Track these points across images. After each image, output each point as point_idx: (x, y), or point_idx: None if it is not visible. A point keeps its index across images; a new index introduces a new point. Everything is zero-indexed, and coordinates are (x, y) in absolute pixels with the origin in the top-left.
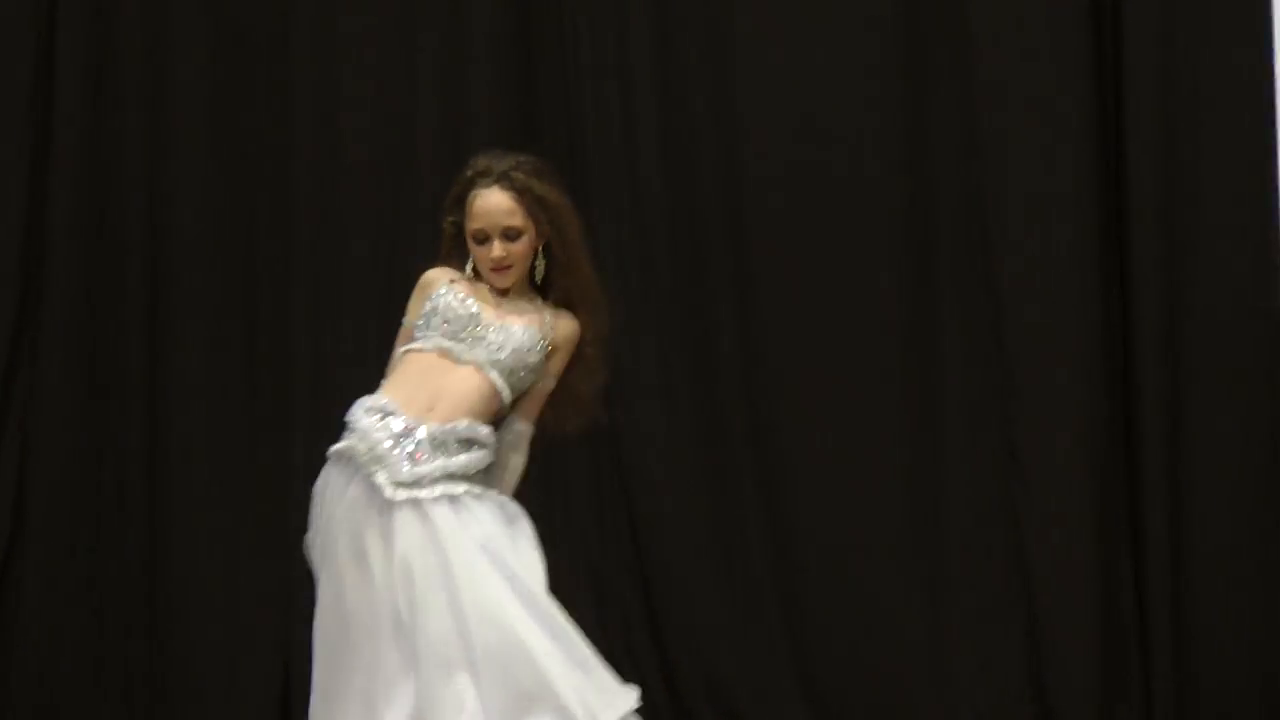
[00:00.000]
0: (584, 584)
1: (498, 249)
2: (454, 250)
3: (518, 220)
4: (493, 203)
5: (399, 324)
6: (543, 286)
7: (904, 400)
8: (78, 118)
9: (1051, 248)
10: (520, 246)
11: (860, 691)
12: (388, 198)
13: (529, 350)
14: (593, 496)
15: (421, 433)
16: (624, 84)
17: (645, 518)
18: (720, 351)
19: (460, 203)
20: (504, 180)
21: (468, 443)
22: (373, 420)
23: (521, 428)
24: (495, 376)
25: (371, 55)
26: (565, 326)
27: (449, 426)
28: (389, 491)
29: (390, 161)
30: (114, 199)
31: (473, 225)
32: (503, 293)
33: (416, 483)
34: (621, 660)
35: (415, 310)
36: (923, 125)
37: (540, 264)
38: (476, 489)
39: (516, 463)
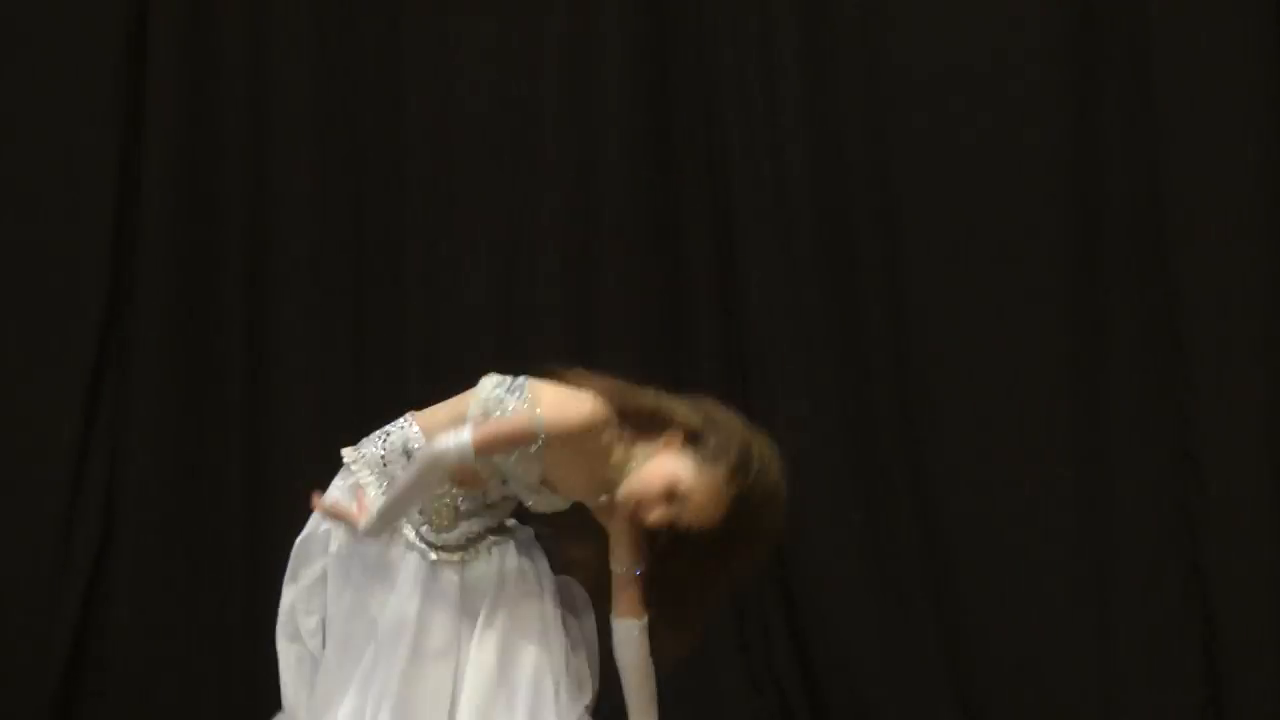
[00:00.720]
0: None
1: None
2: None
3: None
4: None
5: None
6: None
7: (1071, 399)
8: (172, 97)
9: (1232, 237)
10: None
11: (1019, 705)
12: (506, 176)
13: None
14: None
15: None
16: (764, 63)
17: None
18: (870, 344)
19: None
20: None
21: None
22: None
23: (616, 624)
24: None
25: (491, 25)
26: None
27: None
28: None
29: (510, 142)
30: (212, 185)
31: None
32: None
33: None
34: (763, 678)
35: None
36: (1093, 104)
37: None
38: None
39: (627, 662)
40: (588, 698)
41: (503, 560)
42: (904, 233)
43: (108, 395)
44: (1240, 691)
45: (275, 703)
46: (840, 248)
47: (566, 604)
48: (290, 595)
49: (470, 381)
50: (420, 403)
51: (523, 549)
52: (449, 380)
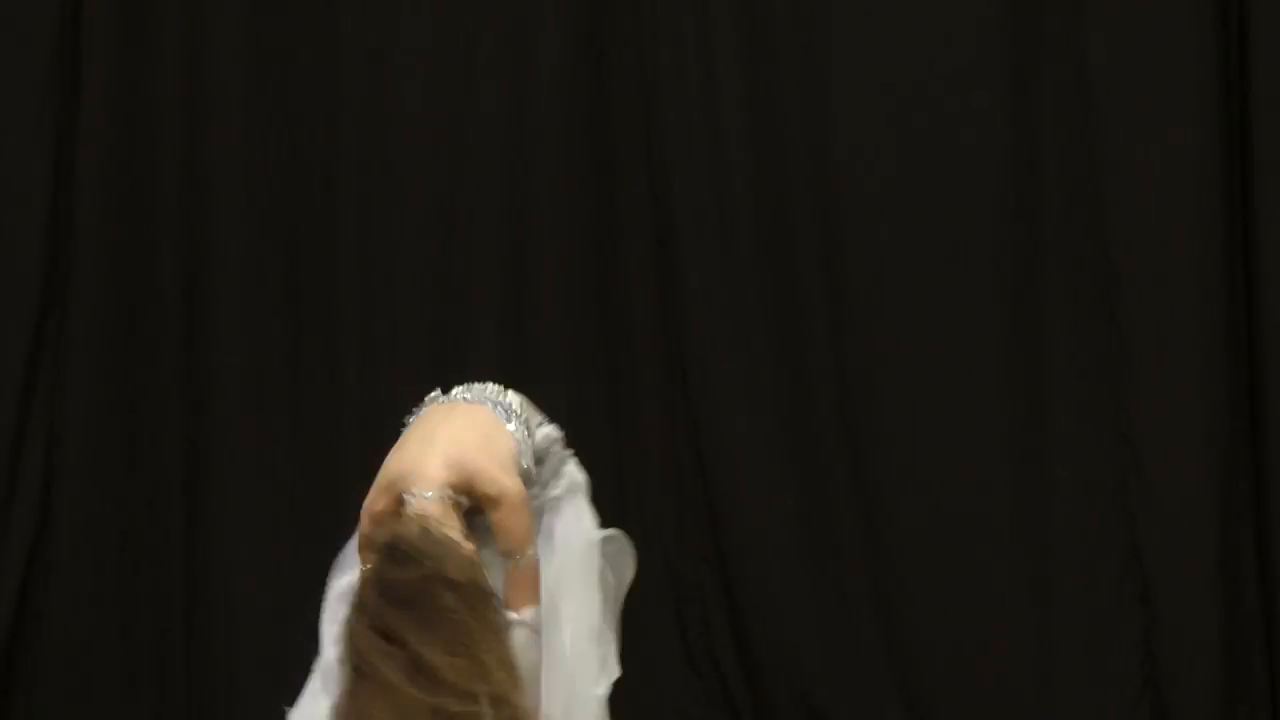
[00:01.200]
0: (661, 582)
1: None
2: None
3: None
4: None
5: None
6: None
7: (1008, 384)
8: (107, 83)
9: (1170, 222)
10: None
11: (962, 696)
12: (441, 175)
13: None
14: (669, 492)
15: None
16: (703, 52)
17: (726, 513)
18: (810, 342)
19: None
20: None
21: None
22: None
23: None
24: None
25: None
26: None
27: None
28: None
29: (446, 141)
30: (147, 176)
31: None
32: None
33: None
34: (702, 663)
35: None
36: (1029, 86)
37: None
38: None
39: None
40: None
41: None
42: (844, 231)
43: (43, 385)
44: (1177, 672)
45: (212, 692)
46: (780, 246)
47: None
48: (332, 590)
49: (412, 378)
50: (360, 397)
51: None
52: (386, 376)
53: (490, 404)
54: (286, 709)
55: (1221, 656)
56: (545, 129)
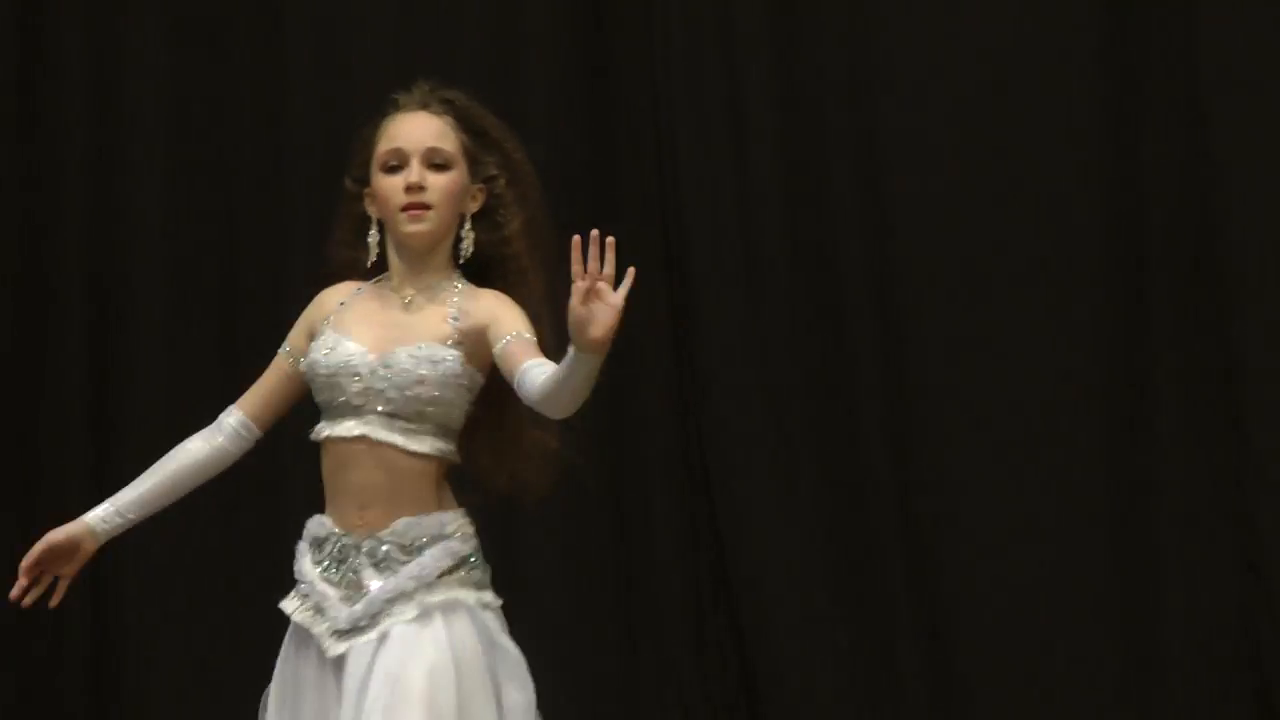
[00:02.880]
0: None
1: (414, 172)
2: (354, 225)
3: (449, 144)
4: (415, 121)
5: None
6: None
7: (1106, 476)
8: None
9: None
10: (447, 181)
11: None
12: None
13: (429, 376)
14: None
15: (356, 554)
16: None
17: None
18: (858, 378)
19: (367, 145)
20: (434, 103)
21: (418, 545)
22: (309, 560)
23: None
24: (399, 438)
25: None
26: (480, 298)
27: (383, 533)
28: (329, 647)
29: None
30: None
31: (383, 149)
32: (415, 270)
33: (355, 628)
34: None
35: (295, 338)
36: (1129, 97)
37: (469, 237)
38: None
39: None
40: None
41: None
42: (894, 254)
43: None
44: None
45: None
46: (817, 268)
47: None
48: None
49: None
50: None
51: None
52: None
53: None
54: None
55: None
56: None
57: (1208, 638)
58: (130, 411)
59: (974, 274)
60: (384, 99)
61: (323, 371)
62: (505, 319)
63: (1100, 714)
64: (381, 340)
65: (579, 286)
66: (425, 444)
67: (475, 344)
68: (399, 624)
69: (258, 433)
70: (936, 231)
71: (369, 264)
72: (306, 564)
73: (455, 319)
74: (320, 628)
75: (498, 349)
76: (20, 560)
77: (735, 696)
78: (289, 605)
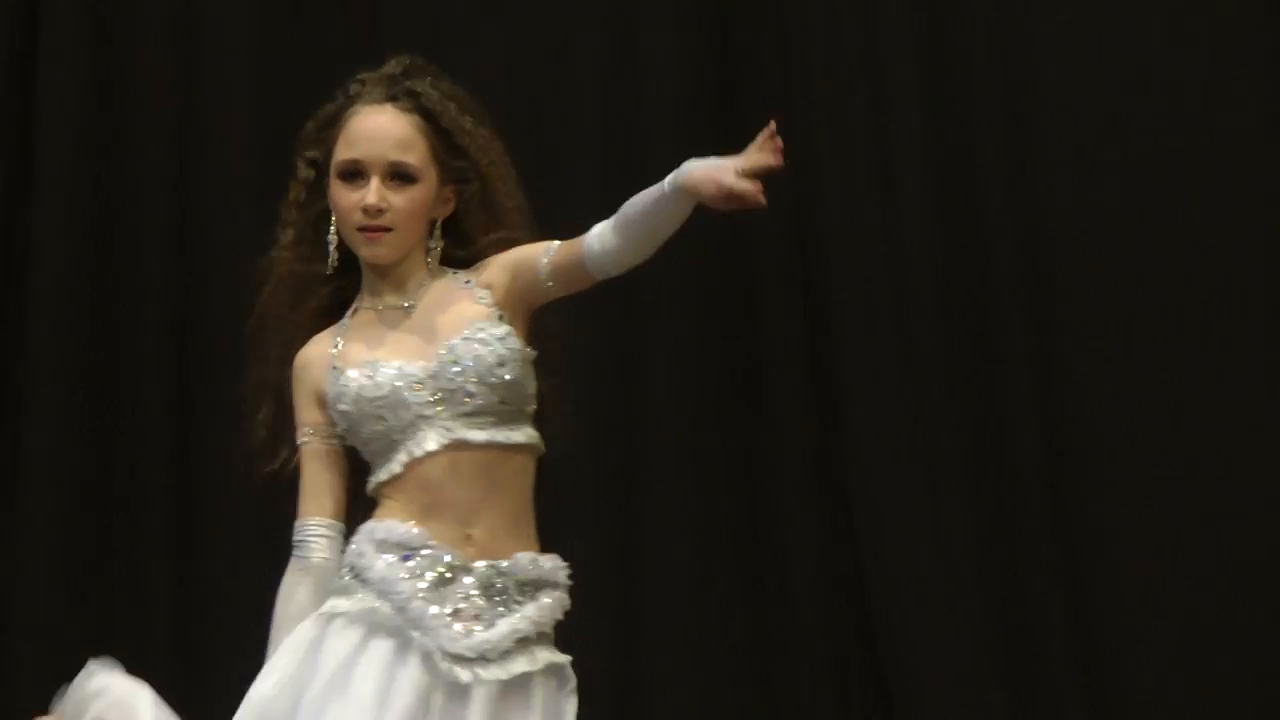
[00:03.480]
0: None
1: (373, 193)
2: (305, 220)
3: (414, 155)
4: (377, 125)
5: None
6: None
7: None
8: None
9: None
10: (410, 200)
11: None
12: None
13: (506, 355)
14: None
15: (466, 575)
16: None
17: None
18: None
19: (327, 130)
20: (401, 97)
21: (536, 587)
22: (383, 565)
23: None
24: (495, 433)
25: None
26: (492, 263)
27: (503, 564)
28: (453, 672)
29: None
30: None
31: (341, 156)
32: (397, 277)
33: (480, 658)
34: None
35: (307, 415)
36: None
37: (437, 247)
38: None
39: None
40: None
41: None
42: (1047, 270)
43: None
44: None
45: None
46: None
47: None
48: None
49: None
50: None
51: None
52: None
53: None
54: None
55: None
56: None
57: None
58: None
59: (1133, 296)
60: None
61: (373, 396)
62: (526, 252)
63: None
64: (416, 349)
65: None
66: (520, 434)
67: (514, 311)
68: (539, 685)
69: (341, 525)
70: (1093, 247)
71: (328, 272)
72: (386, 571)
73: (484, 298)
74: (429, 643)
75: (545, 267)
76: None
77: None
78: (365, 606)
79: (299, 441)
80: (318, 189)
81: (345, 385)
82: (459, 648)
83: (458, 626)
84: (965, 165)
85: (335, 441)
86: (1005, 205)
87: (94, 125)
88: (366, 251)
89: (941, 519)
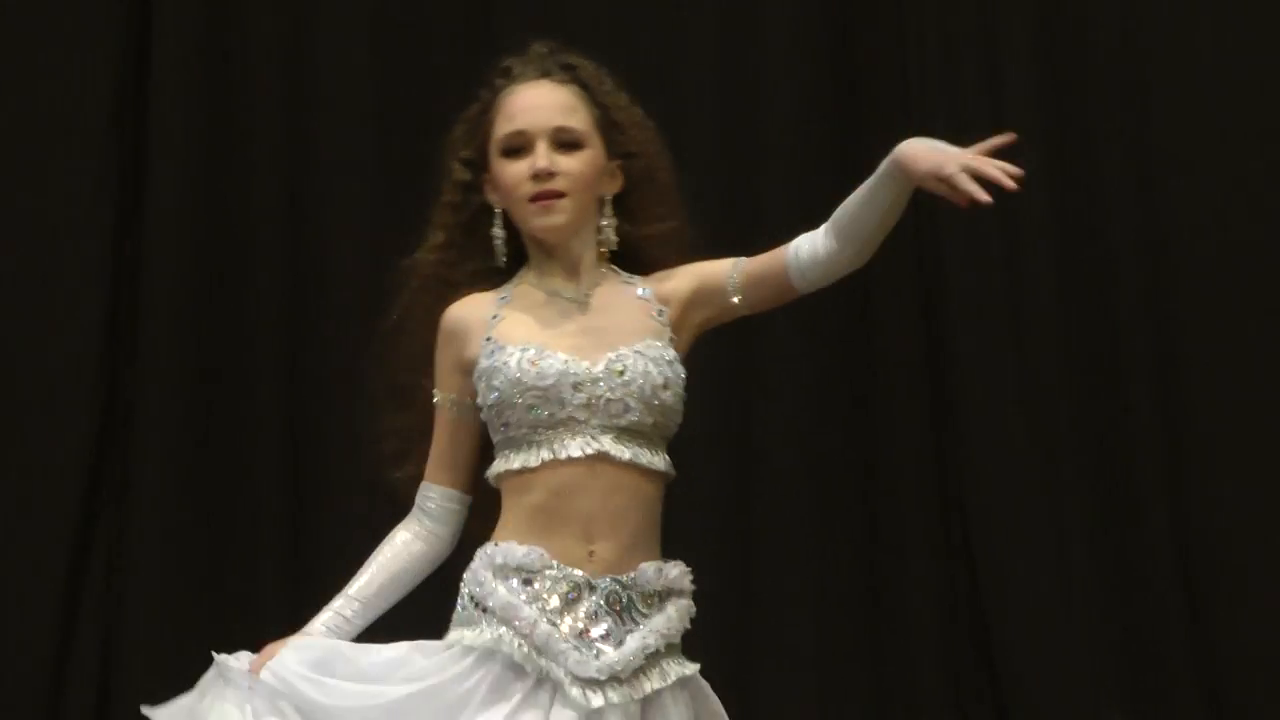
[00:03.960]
0: None
1: (542, 156)
2: (459, 222)
3: (579, 120)
4: (537, 95)
5: None
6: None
7: None
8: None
9: None
10: (581, 163)
11: None
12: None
13: (671, 379)
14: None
15: (590, 594)
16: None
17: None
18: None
19: (478, 124)
20: (556, 70)
21: (661, 597)
22: (504, 591)
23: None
24: (641, 454)
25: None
26: (672, 276)
27: (626, 577)
28: (581, 697)
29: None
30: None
31: (501, 131)
32: (566, 262)
33: (611, 679)
34: None
35: (447, 380)
36: None
37: (610, 224)
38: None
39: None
40: None
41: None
42: (1170, 278)
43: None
44: None
45: None
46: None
47: None
48: None
49: None
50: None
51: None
52: None
53: None
54: None
55: None
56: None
57: None
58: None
59: (1252, 302)
60: (498, 66)
61: (535, 385)
62: (711, 268)
63: None
64: (584, 347)
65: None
66: (660, 460)
67: (685, 332)
68: (670, 701)
69: (468, 498)
70: (1214, 255)
71: (500, 264)
72: (509, 597)
73: (660, 314)
74: (557, 671)
75: (735, 282)
76: None
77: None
78: (489, 636)
79: (434, 401)
80: (472, 189)
81: (503, 363)
82: (589, 671)
83: (586, 649)
84: (1086, 181)
85: (470, 411)
86: (1123, 213)
87: (206, 141)
88: (540, 222)
89: (1059, 535)
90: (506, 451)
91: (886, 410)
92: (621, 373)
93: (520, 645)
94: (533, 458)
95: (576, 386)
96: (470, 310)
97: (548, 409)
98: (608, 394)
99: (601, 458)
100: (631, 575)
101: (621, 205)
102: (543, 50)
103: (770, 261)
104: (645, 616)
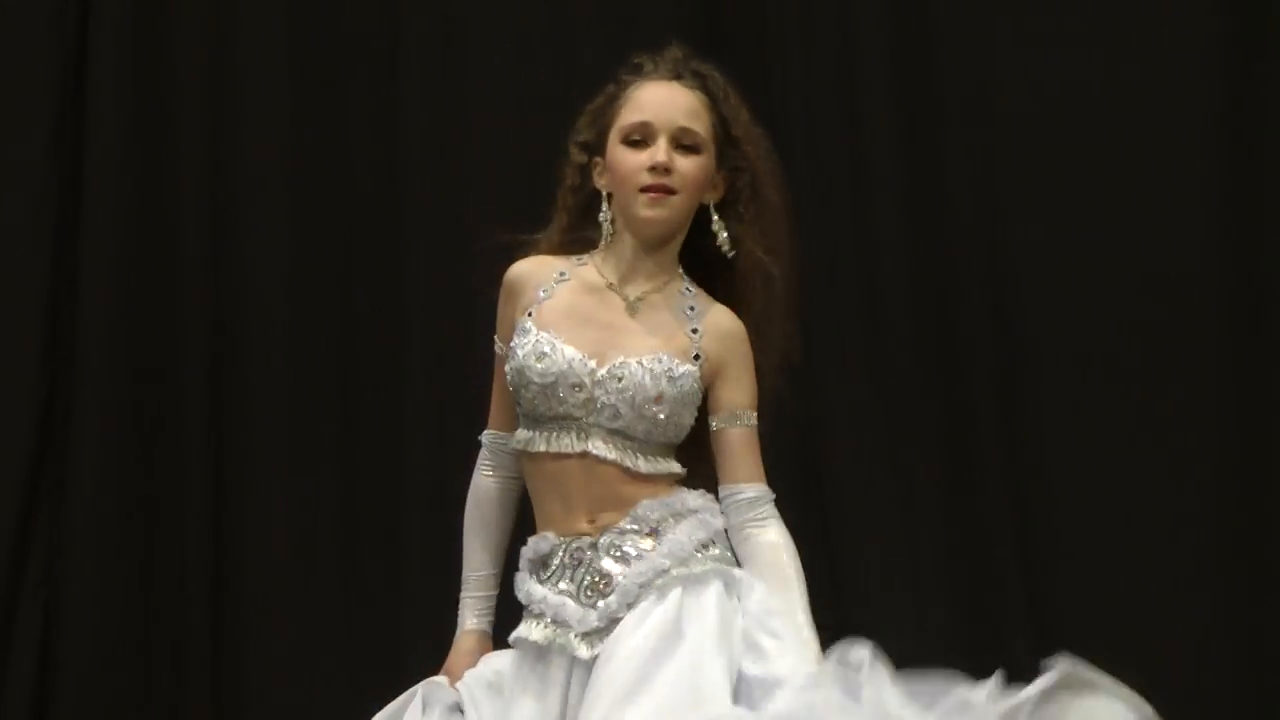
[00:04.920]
0: None
1: (663, 151)
2: (577, 205)
3: (701, 125)
4: (667, 93)
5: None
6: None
7: (1226, 552)
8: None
9: None
10: (695, 166)
11: None
12: None
13: (666, 393)
14: None
15: (593, 552)
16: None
17: None
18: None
19: (603, 113)
20: (688, 75)
21: (664, 525)
22: (533, 582)
23: (747, 494)
24: (627, 458)
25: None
26: (721, 322)
27: (621, 524)
28: (580, 650)
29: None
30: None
31: (627, 120)
32: (641, 261)
33: (611, 622)
34: None
35: (504, 331)
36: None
37: (721, 228)
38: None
39: (770, 541)
40: None
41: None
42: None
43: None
44: None
45: None
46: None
47: None
48: None
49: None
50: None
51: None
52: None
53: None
54: None
55: None
56: None
57: None
58: (248, 430)
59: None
60: (629, 62)
61: (537, 380)
62: (737, 380)
63: None
64: (601, 344)
65: None
66: (652, 464)
67: (711, 369)
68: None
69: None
70: (1045, 237)
71: (604, 243)
72: (534, 587)
73: (697, 333)
74: (568, 638)
75: (717, 424)
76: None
77: None
78: (526, 632)
79: (495, 349)
80: (586, 172)
81: (521, 346)
82: (591, 623)
83: (588, 606)
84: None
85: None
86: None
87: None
88: (648, 213)
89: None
90: (524, 425)
91: None
92: (619, 380)
93: (540, 627)
94: (537, 443)
95: (576, 386)
96: (531, 273)
97: (546, 403)
98: (602, 398)
99: (587, 455)
100: (626, 519)
101: (721, 214)
102: (678, 54)
103: (727, 458)
104: (648, 550)
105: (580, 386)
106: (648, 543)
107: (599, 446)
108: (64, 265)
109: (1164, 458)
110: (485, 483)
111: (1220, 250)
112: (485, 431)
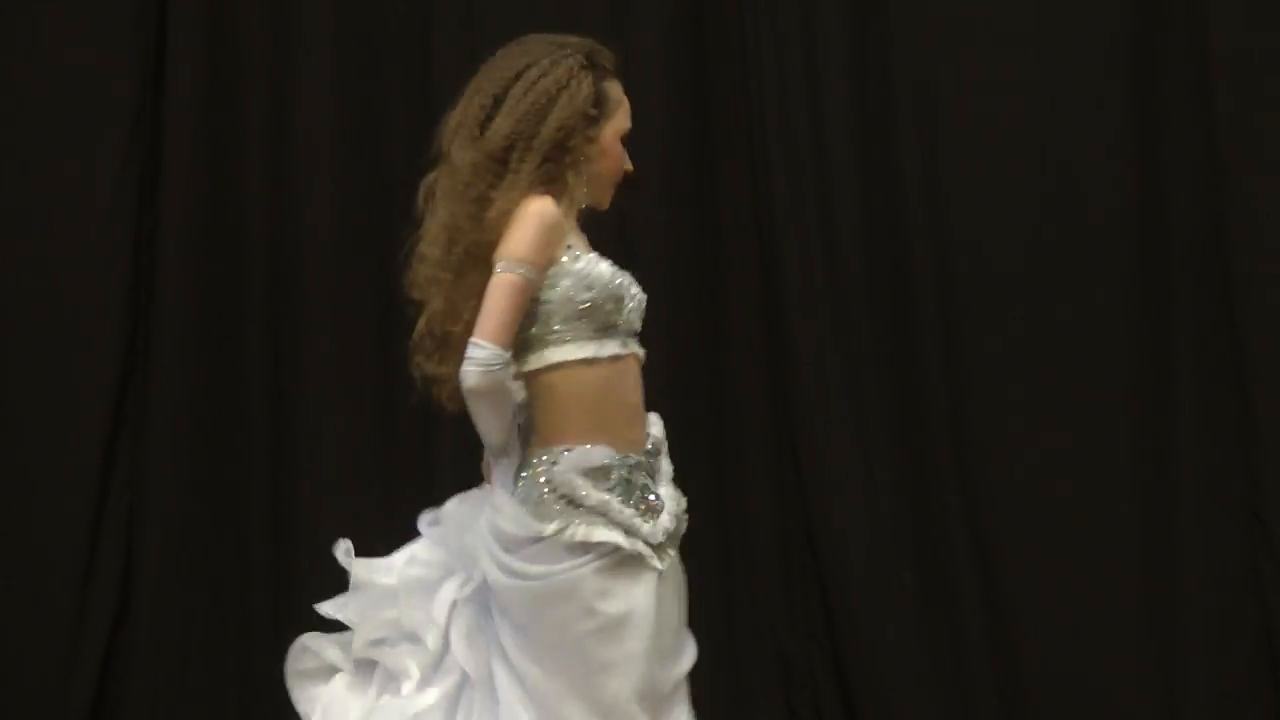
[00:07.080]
0: (770, 663)
1: (628, 159)
2: (562, 138)
3: None
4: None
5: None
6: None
7: (1135, 453)
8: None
9: None
10: None
11: None
12: None
13: None
14: (780, 566)
15: (640, 473)
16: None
17: (839, 590)
18: (926, 396)
19: (603, 98)
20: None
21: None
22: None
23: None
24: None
25: None
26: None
27: (649, 444)
28: (659, 562)
29: None
30: (232, 207)
31: (623, 126)
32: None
33: (671, 538)
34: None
35: (539, 258)
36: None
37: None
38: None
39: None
40: None
41: None
42: (958, 282)
43: (122, 458)
44: None
45: None
46: (892, 279)
47: None
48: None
49: None
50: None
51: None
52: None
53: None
54: None
55: None
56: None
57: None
58: (302, 390)
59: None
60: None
61: (614, 290)
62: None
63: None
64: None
65: None
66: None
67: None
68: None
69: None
70: (993, 238)
71: (568, 193)
72: (599, 494)
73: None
74: (639, 547)
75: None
76: None
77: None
78: (605, 535)
79: (517, 271)
80: (592, 123)
81: (598, 269)
82: (658, 537)
83: (651, 519)
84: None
85: (535, 290)
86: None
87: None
88: (607, 199)
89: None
90: (567, 344)
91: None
92: (641, 294)
93: (617, 534)
94: (603, 349)
95: (628, 298)
96: (560, 215)
97: (605, 311)
98: (638, 306)
99: (631, 355)
100: (649, 442)
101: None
102: (614, 57)
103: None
104: (662, 469)
105: (628, 299)
106: (657, 465)
107: (637, 347)
108: (143, 224)
109: (1081, 371)
110: (506, 377)
111: (1125, 175)
112: (490, 346)
